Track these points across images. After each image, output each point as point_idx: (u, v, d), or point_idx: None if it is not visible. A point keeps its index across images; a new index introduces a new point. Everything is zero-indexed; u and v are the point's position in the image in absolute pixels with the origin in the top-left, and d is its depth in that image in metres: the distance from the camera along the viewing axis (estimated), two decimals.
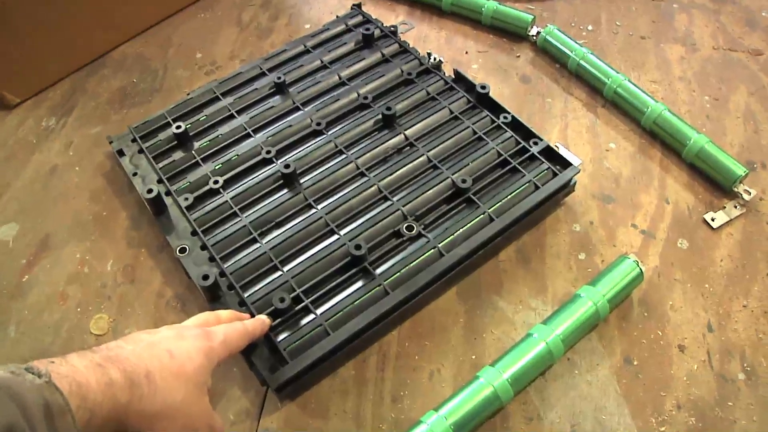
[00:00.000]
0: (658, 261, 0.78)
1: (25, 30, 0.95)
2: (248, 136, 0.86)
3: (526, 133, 0.83)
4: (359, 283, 0.71)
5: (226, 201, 0.79)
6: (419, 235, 0.74)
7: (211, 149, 0.85)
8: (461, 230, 0.74)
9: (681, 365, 0.69)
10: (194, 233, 0.76)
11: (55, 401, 0.41)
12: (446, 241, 0.73)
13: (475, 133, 0.84)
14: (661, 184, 0.85)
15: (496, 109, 0.86)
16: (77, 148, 0.94)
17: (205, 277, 0.69)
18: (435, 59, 0.94)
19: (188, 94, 0.93)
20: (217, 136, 0.86)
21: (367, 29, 0.97)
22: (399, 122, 0.86)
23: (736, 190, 0.82)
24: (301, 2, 1.16)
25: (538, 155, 0.81)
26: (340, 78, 0.93)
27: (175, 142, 0.86)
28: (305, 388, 0.69)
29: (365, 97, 0.88)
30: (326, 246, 0.74)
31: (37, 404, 0.39)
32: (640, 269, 0.72)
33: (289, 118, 0.88)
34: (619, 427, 0.65)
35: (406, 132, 0.84)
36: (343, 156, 0.83)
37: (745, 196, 0.81)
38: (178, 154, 0.85)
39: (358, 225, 0.76)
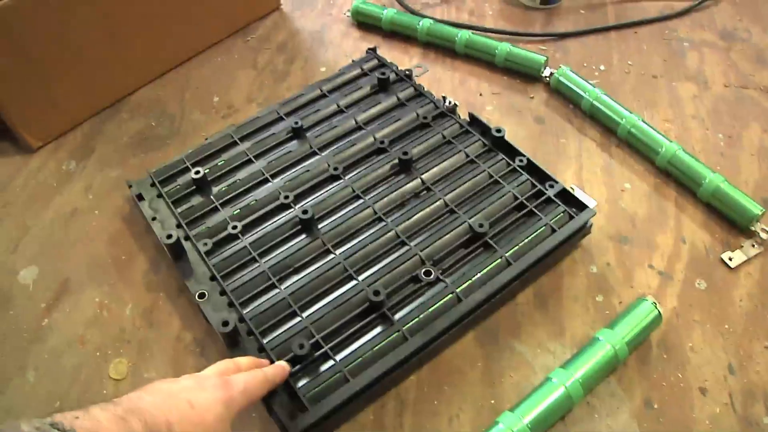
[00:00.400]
0: (676, 302, 0.77)
1: (47, 74, 0.97)
2: (266, 181, 0.87)
3: (542, 176, 0.83)
4: (378, 329, 0.71)
5: (245, 246, 0.79)
6: (437, 280, 0.74)
7: (230, 194, 0.86)
8: (479, 275, 0.74)
9: (703, 408, 0.68)
10: (213, 278, 0.77)
11: None
12: (464, 285, 0.73)
13: (491, 176, 0.84)
14: (677, 224, 0.85)
15: (511, 152, 0.87)
16: (97, 191, 0.95)
17: (225, 323, 0.69)
18: (450, 103, 0.95)
19: (206, 139, 0.94)
20: (236, 181, 0.87)
21: (383, 73, 0.98)
22: (416, 166, 0.86)
23: (753, 228, 0.81)
24: (316, 45, 1.18)
25: (555, 198, 0.81)
26: (356, 122, 0.94)
27: (194, 186, 0.87)
28: None
29: (382, 142, 0.89)
30: (345, 291, 0.74)
31: None
32: (659, 311, 0.71)
33: (306, 163, 0.89)
34: None
35: (423, 176, 0.85)
36: (361, 201, 0.83)
37: (763, 235, 0.81)
38: (196, 199, 0.86)
39: (377, 270, 0.76)
